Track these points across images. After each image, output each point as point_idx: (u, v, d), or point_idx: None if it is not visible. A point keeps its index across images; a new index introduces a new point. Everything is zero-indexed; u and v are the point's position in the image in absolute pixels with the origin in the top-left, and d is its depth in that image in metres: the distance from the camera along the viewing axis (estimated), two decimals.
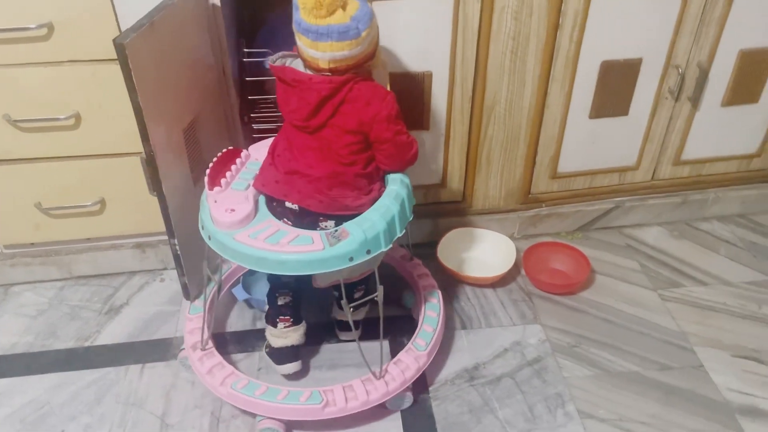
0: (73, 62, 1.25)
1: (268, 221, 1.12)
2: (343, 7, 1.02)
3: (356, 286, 1.30)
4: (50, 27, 1.20)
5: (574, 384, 1.30)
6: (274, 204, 1.16)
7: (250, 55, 1.40)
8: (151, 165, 1.11)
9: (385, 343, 1.37)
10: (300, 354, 1.30)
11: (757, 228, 1.71)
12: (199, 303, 1.33)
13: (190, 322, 1.31)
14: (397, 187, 1.16)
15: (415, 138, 1.17)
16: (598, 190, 1.65)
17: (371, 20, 1.05)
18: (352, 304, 1.17)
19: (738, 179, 1.69)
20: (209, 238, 1.12)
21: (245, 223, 1.10)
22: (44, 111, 1.29)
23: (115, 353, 1.38)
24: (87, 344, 1.40)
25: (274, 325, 1.27)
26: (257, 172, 1.19)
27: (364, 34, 1.04)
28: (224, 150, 1.21)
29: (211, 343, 1.27)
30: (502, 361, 1.36)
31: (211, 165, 1.17)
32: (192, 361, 1.26)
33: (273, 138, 1.21)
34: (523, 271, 1.57)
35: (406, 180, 1.19)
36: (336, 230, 1.09)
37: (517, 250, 1.57)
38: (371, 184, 1.16)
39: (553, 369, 1.34)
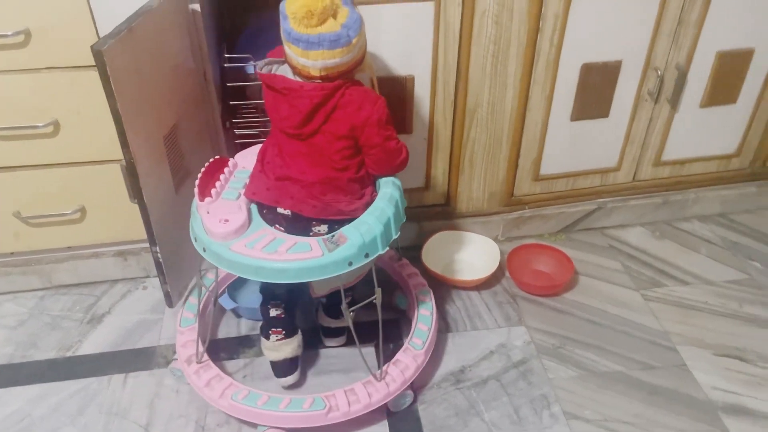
0: (51, 69, 1.23)
1: (263, 230, 1.12)
2: (334, 15, 1.02)
3: (345, 292, 1.29)
4: (27, 34, 1.19)
5: (559, 385, 1.31)
6: (265, 211, 1.16)
7: (231, 60, 1.39)
8: (131, 172, 1.10)
9: (372, 349, 1.37)
10: (298, 364, 1.29)
11: (737, 227, 1.73)
12: (189, 314, 1.32)
13: (182, 335, 1.29)
14: (390, 189, 1.17)
15: (405, 144, 1.18)
16: (580, 192, 1.66)
17: (361, 27, 1.06)
18: (351, 309, 1.17)
19: (718, 179, 1.72)
20: (204, 250, 1.11)
21: (240, 233, 1.10)
22: (22, 119, 1.27)
23: (98, 363, 1.36)
24: (69, 354, 1.38)
25: (267, 338, 1.27)
26: (247, 180, 1.18)
27: (354, 41, 1.04)
28: (211, 160, 1.21)
29: (206, 356, 1.26)
30: (487, 364, 1.36)
31: (199, 176, 1.17)
32: (188, 375, 1.24)
33: (260, 145, 1.21)
34: (507, 273, 1.57)
35: (398, 182, 1.20)
36: (333, 235, 1.09)
37: (502, 252, 1.58)
38: (363, 189, 1.17)
39: (538, 371, 1.34)
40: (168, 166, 1.24)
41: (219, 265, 1.10)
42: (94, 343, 1.41)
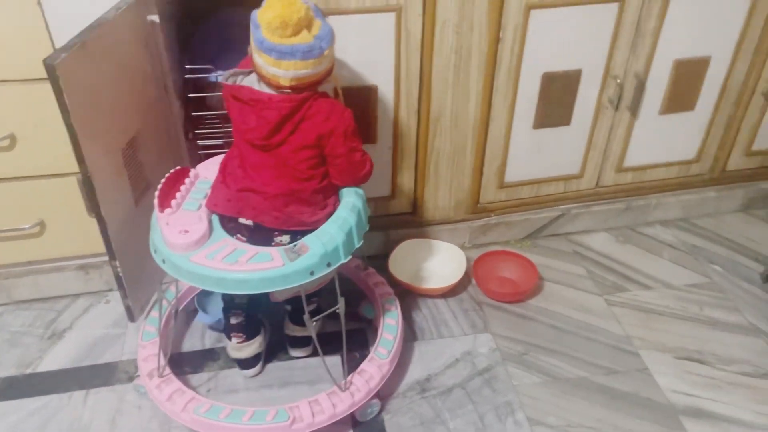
0: (6, 82, 1.22)
1: (224, 240, 1.11)
2: (308, 27, 1.03)
3: (309, 299, 1.29)
4: None
5: (524, 392, 1.32)
6: (227, 222, 1.15)
7: (192, 71, 1.38)
8: (87, 186, 1.09)
9: (338, 358, 1.36)
10: (261, 358, 1.34)
11: (698, 231, 1.76)
12: (150, 328, 1.31)
13: (144, 350, 1.28)
14: (352, 198, 1.17)
15: (370, 157, 1.19)
16: (544, 199, 1.68)
17: (333, 38, 1.07)
18: (314, 318, 1.18)
19: (678, 184, 1.75)
20: (164, 262, 1.10)
21: (201, 244, 1.09)
22: None
23: (59, 379, 1.34)
24: (29, 371, 1.36)
25: (230, 339, 1.30)
26: (208, 191, 1.17)
27: (326, 52, 1.05)
28: (172, 170, 1.19)
29: (168, 369, 1.25)
30: (453, 372, 1.36)
31: (159, 186, 1.16)
32: (149, 389, 1.23)
33: (222, 156, 1.20)
34: (473, 281, 1.58)
35: (361, 191, 1.20)
36: (295, 245, 1.09)
37: (468, 260, 1.59)
38: (326, 199, 1.17)
39: (503, 378, 1.35)
40: (127, 179, 1.22)
41: (179, 277, 1.09)
42: (54, 360, 1.38)
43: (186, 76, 1.41)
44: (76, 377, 1.34)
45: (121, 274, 1.20)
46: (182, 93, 1.41)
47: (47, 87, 1.19)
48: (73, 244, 1.44)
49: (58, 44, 1.18)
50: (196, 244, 1.08)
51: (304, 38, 1.02)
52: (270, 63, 1.04)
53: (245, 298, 1.28)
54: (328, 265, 1.10)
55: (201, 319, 1.44)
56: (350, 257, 1.13)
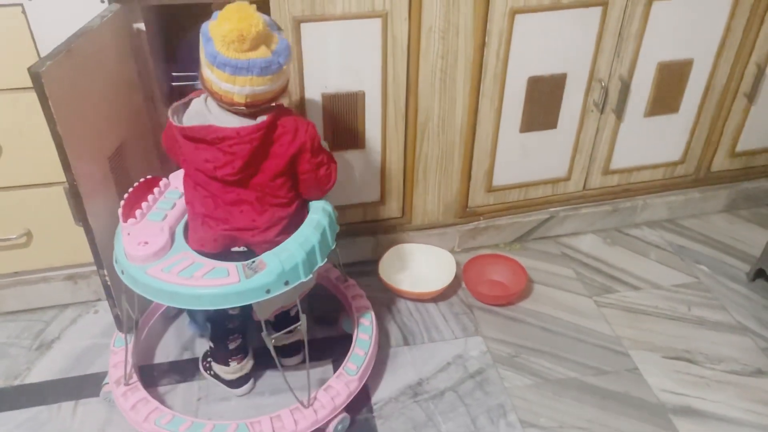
0: None
1: (183, 254, 1.08)
2: (266, 42, 0.99)
3: (291, 307, 1.27)
4: None
5: (515, 394, 1.32)
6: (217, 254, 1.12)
7: (178, 79, 1.38)
8: (74, 195, 1.08)
9: (329, 368, 1.36)
10: (251, 374, 1.32)
11: (684, 232, 1.78)
12: (126, 334, 1.30)
13: (115, 356, 1.27)
14: (318, 216, 1.14)
15: (336, 167, 1.17)
16: (532, 202, 1.69)
17: (290, 53, 1.04)
18: (273, 336, 1.14)
19: (664, 186, 1.77)
20: (122, 273, 1.08)
21: (160, 256, 1.07)
22: None
23: (47, 391, 1.33)
24: (17, 383, 1.34)
25: (227, 365, 1.27)
26: (176, 201, 1.15)
27: (285, 67, 1.03)
28: (141, 179, 1.18)
29: (135, 377, 1.24)
30: (445, 375, 1.36)
31: (126, 195, 1.14)
32: (116, 397, 1.22)
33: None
34: (463, 284, 1.59)
35: (329, 208, 1.17)
36: (253, 262, 1.06)
37: (458, 264, 1.59)
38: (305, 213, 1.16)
39: (494, 380, 1.35)
40: (114, 187, 1.22)
41: (135, 289, 1.07)
42: (43, 371, 1.37)
43: (173, 83, 1.41)
44: (65, 388, 1.33)
45: (109, 283, 1.19)
46: (169, 101, 1.41)
47: (32, 96, 1.19)
48: (61, 254, 1.43)
49: (43, 53, 1.18)
50: (154, 256, 1.06)
51: (263, 53, 0.98)
52: (223, 79, 0.99)
53: (238, 321, 1.26)
54: (286, 283, 1.06)
55: (191, 328, 1.44)
56: (312, 276, 1.10)
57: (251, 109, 1.04)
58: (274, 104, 1.08)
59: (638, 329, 1.48)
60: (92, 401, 1.30)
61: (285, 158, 1.07)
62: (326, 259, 1.12)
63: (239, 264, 1.06)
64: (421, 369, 1.38)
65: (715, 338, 1.46)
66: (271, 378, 1.35)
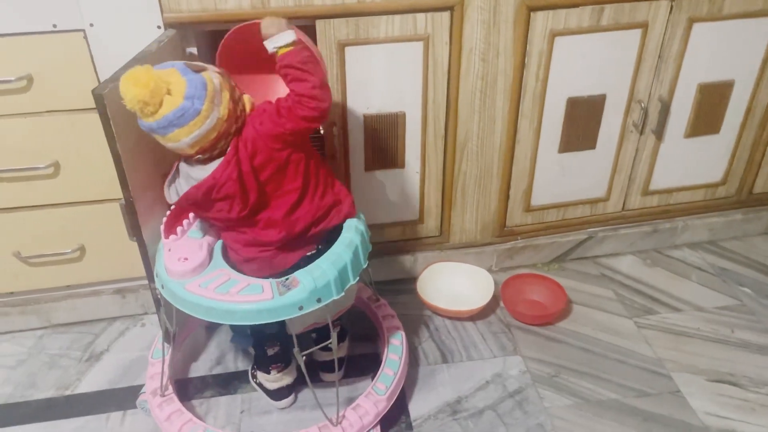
0: (52, 112, 1.27)
1: (220, 270, 1.12)
2: (169, 92, 0.98)
3: (333, 323, 1.29)
4: (30, 79, 1.23)
5: (555, 414, 1.32)
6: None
7: None
8: (130, 211, 1.13)
9: (367, 383, 1.37)
10: (293, 387, 1.34)
11: (725, 254, 1.76)
12: (164, 346, 1.33)
13: (152, 367, 1.31)
14: (351, 234, 1.15)
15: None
16: (571, 222, 1.69)
17: (206, 90, 1.00)
18: (304, 353, 1.16)
19: (705, 207, 1.75)
20: (162, 287, 1.12)
21: (198, 272, 1.11)
22: (24, 160, 1.31)
23: (96, 401, 1.37)
24: (67, 393, 1.39)
25: (268, 372, 1.30)
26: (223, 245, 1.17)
27: (203, 108, 1.00)
28: None
29: (171, 389, 1.27)
30: (483, 394, 1.37)
31: (168, 212, 1.19)
32: (151, 407, 1.25)
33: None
34: (501, 303, 1.59)
35: (362, 227, 1.19)
36: (287, 278, 1.09)
37: (495, 283, 1.60)
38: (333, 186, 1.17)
39: (534, 400, 1.35)
40: (166, 204, 1.26)
41: (174, 303, 1.11)
42: (92, 381, 1.41)
43: None
44: (113, 399, 1.37)
45: (159, 297, 1.23)
46: None
47: (90, 116, 1.27)
48: (111, 268, 1.48)
49: (102, 76, 1.25)
50: (193, 272, 1.10)
51: (171, 104, 0.98)
52: (162, 140, 1.03)
53: (275, 328, 1.27)
54: (318, 300, 1.08)
55: (234, 341, 1.47)
56: (343, 294, 1.11)
57: (210, 152, 1.05)
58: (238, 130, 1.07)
59: (680, 351, 1.46)
60: (139, 412, 1.33)
61: (267, 145, 1.06)
62: (358, 278, 1.14)
63: (273, 281, 1.09)
64: (459, 387, 1.38)
65: (759, 362, 1.43)
66: (318, 392, 1.36)
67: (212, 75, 1.04)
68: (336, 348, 1.20)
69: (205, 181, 1.05)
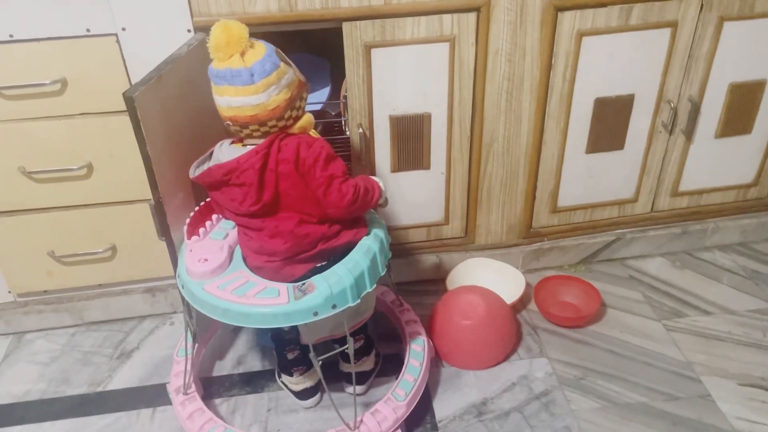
0: (85, 115, 1.30)
1: (240, 272, 1.13)
2: (242, 54, 1.03)
3: (355, 337, 1.26)
4: (64, 82, 1.26)
5: (582, 417, 1.31)
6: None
7: None
8: (159, 211, 1.15)
9: (392, 386, 1.38)
10: (319, 386, 1.34)
11: (758, 256, 1.72)
12: (188, 345, 1.35)
13: (177, 365, 1.33)
14: (369, 241, 1.15)
15: (358, 183, 1.12)
16: (598, 223, 1.67)
17: (272, 73, 1.04)
18: (320, 358, 1.15)
19: (736, 208, 1.72)
20: (182, 287, 1.14)
21: (217, 273, 1.12)
22: (58, 162, 1.34)
23: (127, 397, 1.40)
24: (99, 389, 1.42)
25: (290, 375, 1.32)
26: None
27: (260, 82, 1.03)
28: (207, 200, 1.23)
29: (193, 387, 1.29)
30: (509, 396, 1.36)
31: (192, 213, 1.20)
32: (174, 405, 1.28)
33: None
34: (528, 305, 1.58)
35: (381, 234, 1.18)
36: (304, 284, 1.09)
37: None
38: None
39: (560, 402, 1.34)
40: (194, 205, 1.28)
41: (193, 304, 1.12)
42: (123, 378, 1.44)
43: None
44: (144, 395, 1.40)
45: None
46: None
47: (122, 119, 1.29)
48: (141, 267, 1.51)
49: (134, 79, 1.27)
50: (212, 273, 1.11)
51: (236, 62, 1.03)
52: (214, 91, 1.07)
53: (294, 332, 1.29)
54: (333, 306, 1.08)
55: (262, 341, 1.48)
56: (359, 300, 1.10)
57: (240, 128, 1.08)
58: (276, 129, 1.09)
59: (710, 355, 1.44)
60: (169, 408, 1.36)
61: (294, 176, 1.07)
62: (375, 285, 1.14)
63: (290, 285, 1.09)
64: (485, 389, 1.38)
65: None
66: (340, 391, 1.37)
67: (288, 70, 1.07)
68: (353, 362, 1.20)
69: (228, 162, 1.07)
